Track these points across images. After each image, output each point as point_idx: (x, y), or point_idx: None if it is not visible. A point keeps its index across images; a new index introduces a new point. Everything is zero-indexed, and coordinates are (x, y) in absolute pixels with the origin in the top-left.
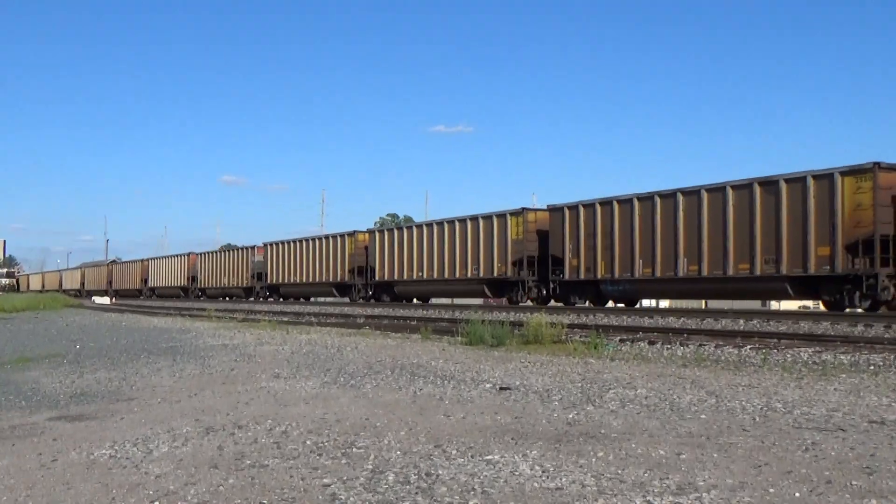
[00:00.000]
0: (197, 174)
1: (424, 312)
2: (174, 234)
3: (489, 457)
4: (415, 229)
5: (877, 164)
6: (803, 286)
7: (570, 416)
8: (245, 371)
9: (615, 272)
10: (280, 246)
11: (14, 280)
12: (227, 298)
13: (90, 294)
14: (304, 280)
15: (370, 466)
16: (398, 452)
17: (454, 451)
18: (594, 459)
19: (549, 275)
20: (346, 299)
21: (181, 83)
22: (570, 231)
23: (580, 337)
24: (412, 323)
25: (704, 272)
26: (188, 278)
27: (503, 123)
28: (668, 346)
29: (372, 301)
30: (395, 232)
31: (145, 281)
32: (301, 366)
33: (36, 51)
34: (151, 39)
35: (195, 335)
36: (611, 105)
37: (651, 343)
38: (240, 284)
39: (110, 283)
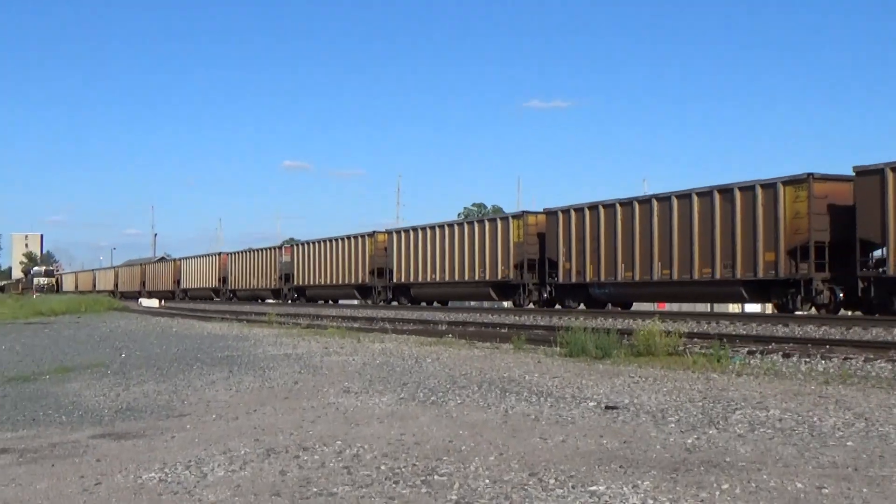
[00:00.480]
0: (255, 158)
1: (517, 318)
2: (230, 227)
3: (593, 487)
4: (429, 230)
5: (811, 175)
6: (756, 290)
7: (689, 440)
8: (310, 385)
9: (601, 275)
10: (305, 246)
11: (54, 280)
12: (259, 301)
13: (123, 295)
14: (328, 282)
15: (454, 497)
16: (486, 481)
17: (552, 481)
18: (718, 493)
19: (546, 278)
20: (369, 301)
21: (235, 56)
22: (564, 235)
23: (700, 348)
24: (502, 331)
25: (675, 276)
26: (219, 279)
27: (608, 98)
28: (807, 360)
29: (393, 304)
30: (412, 233)
31: (178, 282)
32: (374, 379)
33: (78, 31)
34: (201, 14)
35: (254, 343)
36: (742, 77)
37: (786, 356)
38: (268, 286)
39: (143, 283)
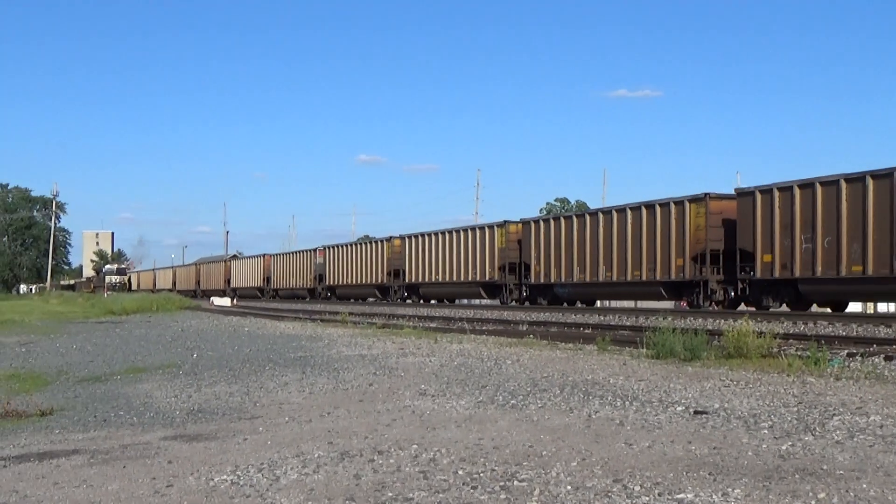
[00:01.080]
0: (329, 153)
1: (601, 318)
2: (303, 224)
3: (681, 495)
4: (433, 236)
5: (707, 195)
6: (672, 289)
7: (783, 447)
8: (385, 387)
9: (563, 277)
10: (336, 249)
11: (126, 279)
12: (298, 299)
13: (180, 293)
14: (354, 282)
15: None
16: (568, 487)
17: (637, 488)
18: (813, 502)
19: (521, 279)
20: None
21: (309, 48)
22: (535, 242)
23: (796, 350)
24: (586, 331)
25: (615, 277)
26: (263, 279)
27: (699, 87)
28: None
29: (408, 301)
30: (421, 238)
31: (228, 281)
32: (451, 381)
33: (147, 25)
34: (275, 7)
35: (327, 343)
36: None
37: (888, 358)
38: (304, 285)
39: (198, 282)
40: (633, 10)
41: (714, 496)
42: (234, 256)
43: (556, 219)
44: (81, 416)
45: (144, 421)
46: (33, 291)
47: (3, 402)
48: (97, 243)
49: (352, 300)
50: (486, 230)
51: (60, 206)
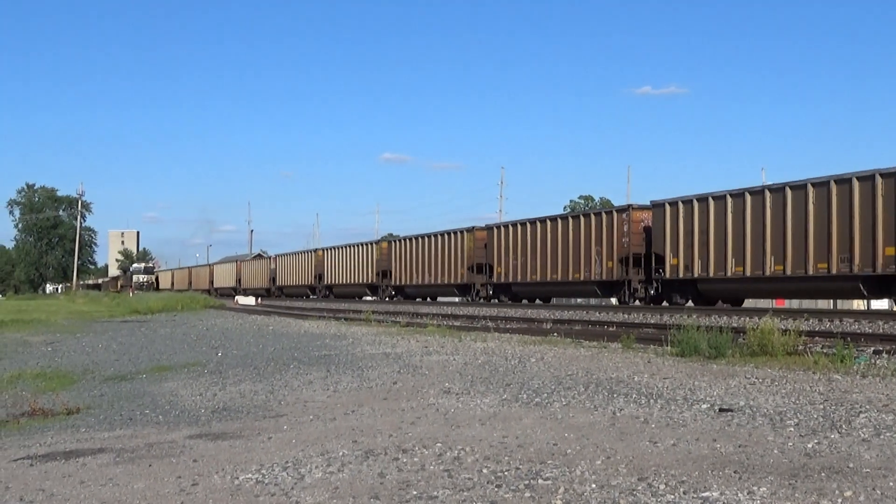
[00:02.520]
0: (353, 151)
1: (625, 317)
2: (326, 223)
3: (706, 493)
4: (416, 240)
5: (630, 206)
6: (605, 288)
7: (809, 445)
8: (410, 385)
9: (519, 277)
10: (333, 251)
11: (154, 277)
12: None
13: (219, 293)
14: (349, 281)
15: (559, 502)
16: (593, 486)
17: (662, 486)
18: (840, 500)
19: (488, 279)
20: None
21: (333, 48)
22: (497, 245)
23: (822, 347)
24: (610, 329)
25: (559, 277)
26: (269, 279)
27: (725, 84)
28: None
29: (395, 299)
30: (409, 241)
31: (273, 279)
32: (476, 379)
33: (170, 27)
34: (297, 9)
35: (352, 342)
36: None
37: None
38: (305, 283)
39: (239, 281)
40: (659, 6)
41: (739, 494)
42: (259, 255)
43: (514, 225)
44: (107, 415)
45: (170, 419)
46: (59, 291)
47: (30, 401)
48: (122, 243)
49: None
50: (457, 235)
51: (86, 206)
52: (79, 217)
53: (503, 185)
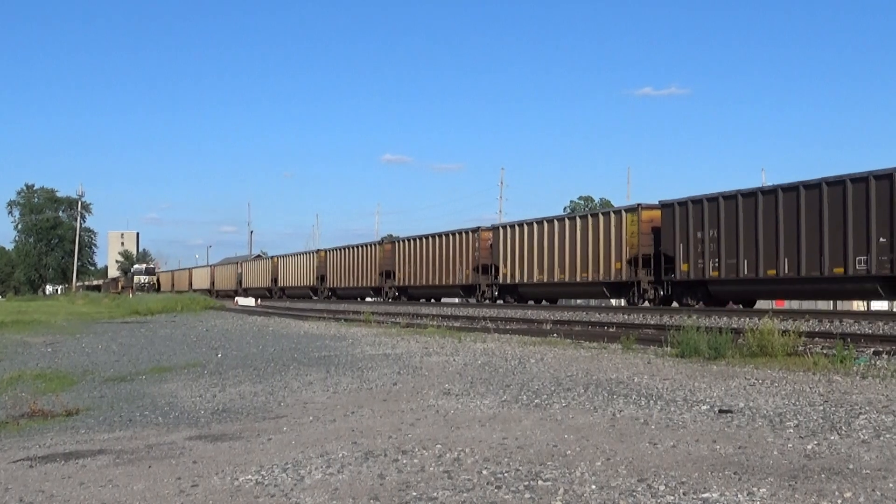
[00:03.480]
0: (354, 152)
1: (625, 317)
2: (327, 224)
3: (706, 495)
4: (420, 241)
5: (640, 205)
6: (614, 289)
7: (809, 446)
8: (410, 386)
9: (525, 278)
10: (336, 252)
11: (155, 278)
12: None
13: (219, 294)
14: (352, 282)
15: (559, 503)
16: (593, 487)
17: (662, 487)
18: (840, 501)
19: (493, 279)
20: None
21: (333, 50)
22: (503, 246)
23: (822, 348)
24: (610, 330)
25: (567, 278)
26: (271, 280)
27: (726, 84)
28: None
29: (399, 300)
30: (413, 242)
31: (275, 280)
32: (475, 381)
33: (171, 28)
34: (298, 10)
35: (351, 343)
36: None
37: None
38: (307, 284)
39: (239, 282)
40: (659, 8)
41: (739, 496)
42: (259, 256)
43: (520, 225)
44: (107, 416)
45: (169, 421)
46: (59, 292)
47: (30, 402)
48: (122, 244)
49: (355, 299)
50: (461, 235)
51: (86, 207)
52: (78, 218)
53: (503, 186)
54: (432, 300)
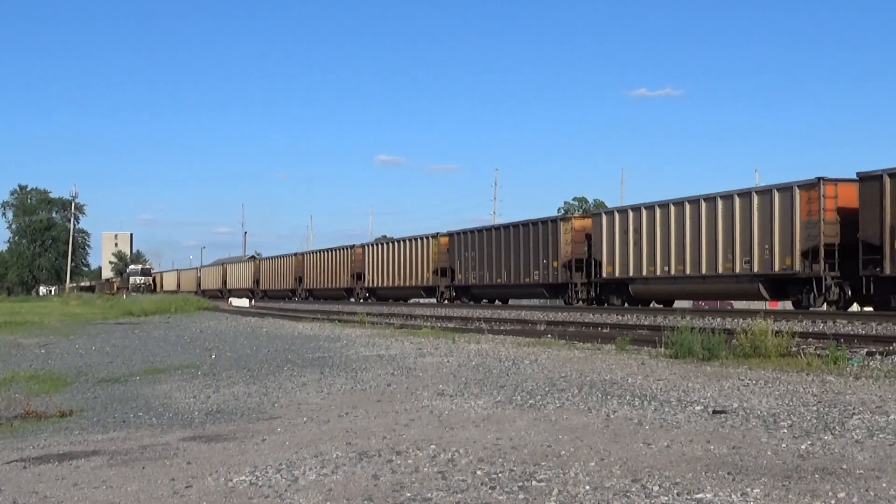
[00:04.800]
0: (349, 153)
1: (619, 318)
2: (321, 225)
3: (700, 495)
4: (387, 245)
5: (572, 215)
6: (552, 290)
7: (803, 446)
8: (404, 387)
9: (478, 279)
10: (313, 255)
11: (150, 279)
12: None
13: (205, 294)
14: (328, 284)
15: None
16: (587, 487)
17: (656, 488)
18: (833, 501)
19: (451, 281)
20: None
21: (329, 49)
22: (458, 251)
23: (815, 349)
24: (604, 331)
25: (511, 280)
26: (254, 281)
27: (721, 85)
28: None
29: (368, 301)
30: (381, 246)
31: (257, 282)
32: (470, 381)
33: (166, 29)
34: (292, 11)
35: (346, 344)
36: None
37: None
38: (286, 287)
39: (225, 283)
40: (654, 9)
41: (733, 496)
42: (252, 257)
43: (473, 231)
44: (101, 417)
45: (163, 422)
46: (52, 293)
47: (24, 403)
48: (116, 244)
49: (328, 300)
50: (423, 240)
51: (80, 208)
52: (72, 219)
53: (497, 187)
54: (401, 301)
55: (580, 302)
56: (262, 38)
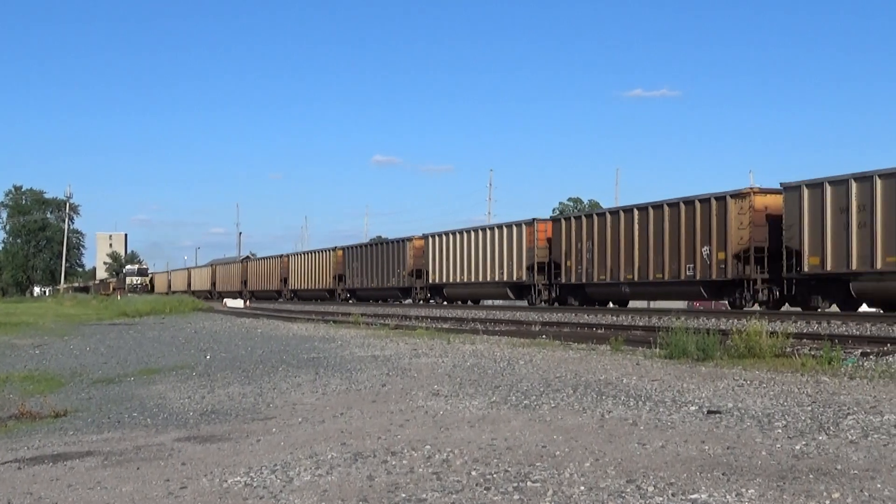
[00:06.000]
0: (344, 154)
1: (614, 319)
2: (316, 225)
3: (694, 496)
4: (366, 247)
5: (535, 220)
6: (517, 290)
7: (797, 447)
8: (399, 387)
9: (449, 279)
10: (297, 256)
11: (147, 279)
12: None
13: (195, 295)
14: (311, 286)
15: None
16: (582, 488)
17: (651, 488)
18: (828, 502)
19: (426, 282)
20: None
21: (324, 50)
22: (432, 253)
23: (810, 349)
24: (598, 331)
25: (477, 280)
26: (242, 282)
27: (717, 86)
28: None
29: (350, 301)
30: (361, 249)
31: (245, 282)
32: (464, 382)
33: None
34: (287, 12)
35: (340, 344)
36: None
37: None
38: (272, 288)
39: (214, 284)
40: (651, 10)
41: (728, 496)
42: (247, 258)
43: (446, 234)
44: (95, 418)
45: (158, 422)
46: (47, 294)
47: (18, 404)
48: (110, 245)
49: (312, 300)
50: (399, 243)
51: (74, 208)
52: (66, 219)
53: (492, 188)
54: (380, 301)
55: (543, 303)
56: (257, 39)
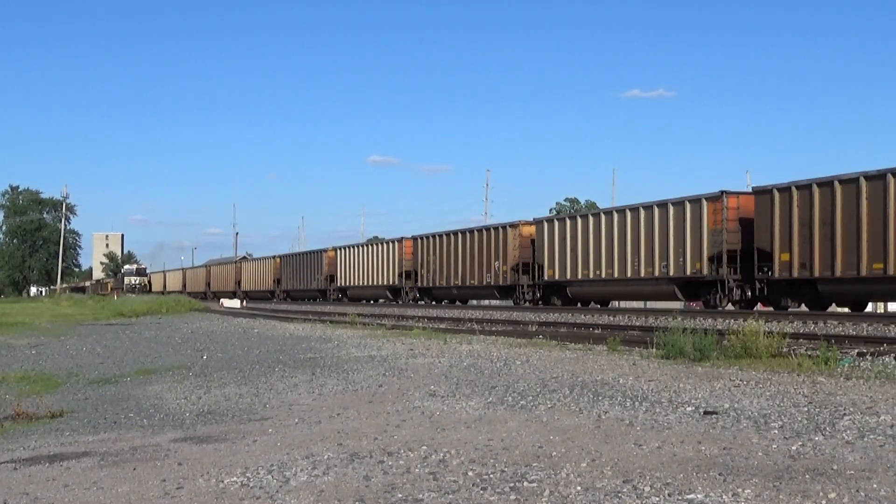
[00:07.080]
0: (340, 154)
1: (611, 319)
2: (313, 225)
3: (691, 496)
4: (356, 248)
5: (519, 222)
6: (503, 291)
7: (794, 447)
8: (395, 388)
9: (438, 281)
10: (289, 258)
11: (146, 279)
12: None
13: (190, 295)
14: (303, 286)
15: None
16: (578, 488)
17: (647, 489)
18: (824, 502)
19: (415, 283)
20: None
21: (321, 50)
22: (422, 254)
23: (806, 350)
24: (595, 331)
25: (464, 282)
26: (235, 282)
27: (714, 87)
28: None
29: (341, 300)
30: (351, 249)
31: (209, 284)
32: (461, 382)
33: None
34: (286, 11)
35: (337, 345)
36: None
37: None
38: (266, 288)
39: (184, 285)
40: (648, 10)
41: (724, 496)
42: (244, 258)
43: (434, 236)
44: (91, 418)
45: (154, 423)
46: (43, 294)
47: (14, 404)
48: (107, 245)
49: (304, 300)
50: (389, 244)
51: (70, 209)
52: (63, 220)
53: (489, 188)
54: (371, 301)
55: (526, 302)
56: (254, 39)
